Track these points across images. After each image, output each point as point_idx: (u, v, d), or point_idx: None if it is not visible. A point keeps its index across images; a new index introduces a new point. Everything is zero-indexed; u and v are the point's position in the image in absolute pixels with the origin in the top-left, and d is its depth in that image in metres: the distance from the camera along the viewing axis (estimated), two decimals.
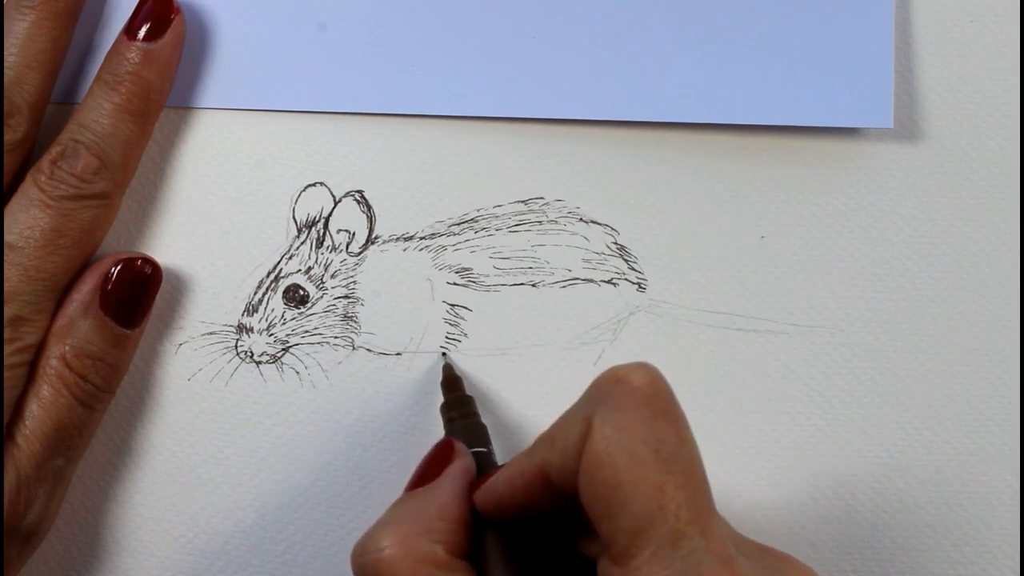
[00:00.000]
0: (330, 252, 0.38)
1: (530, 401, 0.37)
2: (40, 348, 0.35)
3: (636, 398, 0.26)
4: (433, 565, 0.28)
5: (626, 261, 0.38)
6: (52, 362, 0.35)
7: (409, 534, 0.28)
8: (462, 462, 0.31)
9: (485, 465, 0.32)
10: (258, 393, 0.38)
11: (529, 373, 0.37)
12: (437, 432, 0.37)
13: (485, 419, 0.35)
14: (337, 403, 0.38)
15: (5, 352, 0.34)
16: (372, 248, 0.38)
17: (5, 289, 0.34)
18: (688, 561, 0.25)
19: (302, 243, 0.38)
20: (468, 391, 0.36)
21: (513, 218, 0.38)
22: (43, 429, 0.35)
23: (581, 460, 0.26)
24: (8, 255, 0.34)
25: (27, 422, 0.35)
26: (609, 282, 0.38)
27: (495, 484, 0.29)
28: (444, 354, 0.37)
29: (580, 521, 0.28)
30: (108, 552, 0.38)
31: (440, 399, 0.36)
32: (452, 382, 0.36)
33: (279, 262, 0.38)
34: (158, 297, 0.37)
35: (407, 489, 0.31)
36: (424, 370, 0.37)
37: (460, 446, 0.32)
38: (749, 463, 0.37)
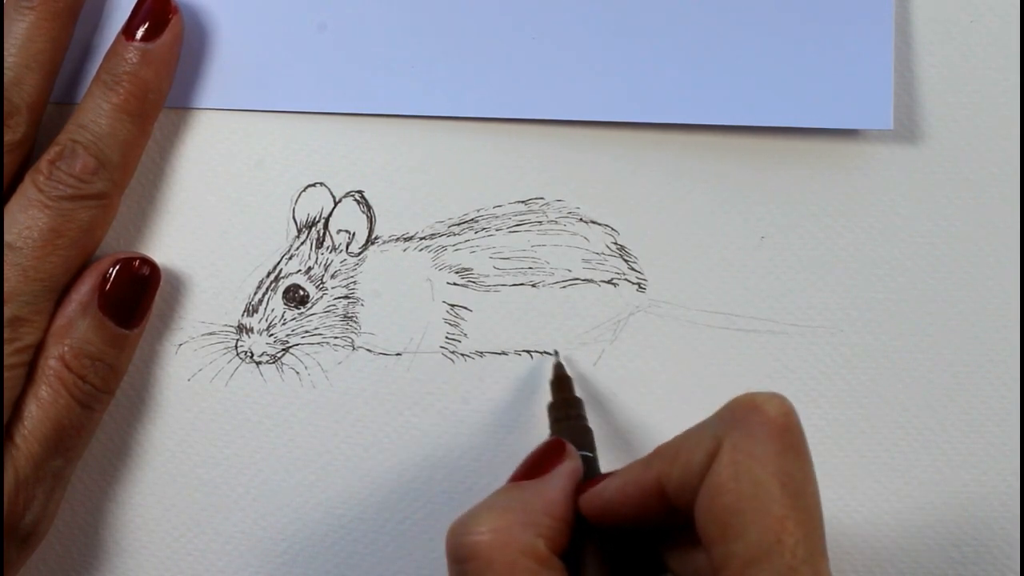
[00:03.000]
0: (330, 252, 0.38)
1: (530, 402, 0.37)
2: (39, 349, 0.35)
3: (769, 428, 0.26)
4: (532, 558, 0.28)
5: (626, 261, 0.38)
6: (51, 362, 0.35)
7: (513, 523, 0.28)
8: (573, 463, 0.31)
9: (589, 470, 0.32)
10: (258, 393, 0.38)
11: (529, 373, 0.37)
12: (450, 432, 0.37)
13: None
14: (337, 403, 0.38)
15: (4, 352, 0.34)
16: (372, 248, 0.38)
17: (4, 289, 0.34)
18: None
19: (302, 243, 0.38)
20: (578, 393, 0.36)
21: (513, 218, 0.38)
22: (42, 430, 0.35)
23: (704, 479, 0.26)
24: (7, 255, 0.34)
25: (26, 423, 0.35)
26: (609, 282, 0.38)
27: (605, 489, 0.29)
28: (556, 353, 0.37)
29: (677, 538, 0.29)
30: (108, 552, 0.38)
31: (546, 399, 0.36)
32: (562, 382, 0.35)
33: (279, 262, 0.38)
34: (158, 297, 0.37)
35: (511, 480, 0.31)
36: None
37: (571, 447, 0.31)
38: None
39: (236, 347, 0.38)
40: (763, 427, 0.26)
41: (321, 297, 0.38)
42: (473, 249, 0.38)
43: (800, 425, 0.27)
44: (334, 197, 0.38)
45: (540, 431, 0.37)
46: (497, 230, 0.38)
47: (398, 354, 0.38)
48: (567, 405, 0.35)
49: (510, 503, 0.29)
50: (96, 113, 0.35)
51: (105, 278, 0.36)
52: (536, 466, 0.31)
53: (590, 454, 0.32)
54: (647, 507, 0.28)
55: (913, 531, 0.37)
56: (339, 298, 0.38)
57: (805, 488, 0.26)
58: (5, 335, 0.34)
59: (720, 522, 0.26)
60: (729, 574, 0.25)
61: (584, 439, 0.33)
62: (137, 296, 0.36)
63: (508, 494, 0.30)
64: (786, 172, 0.37)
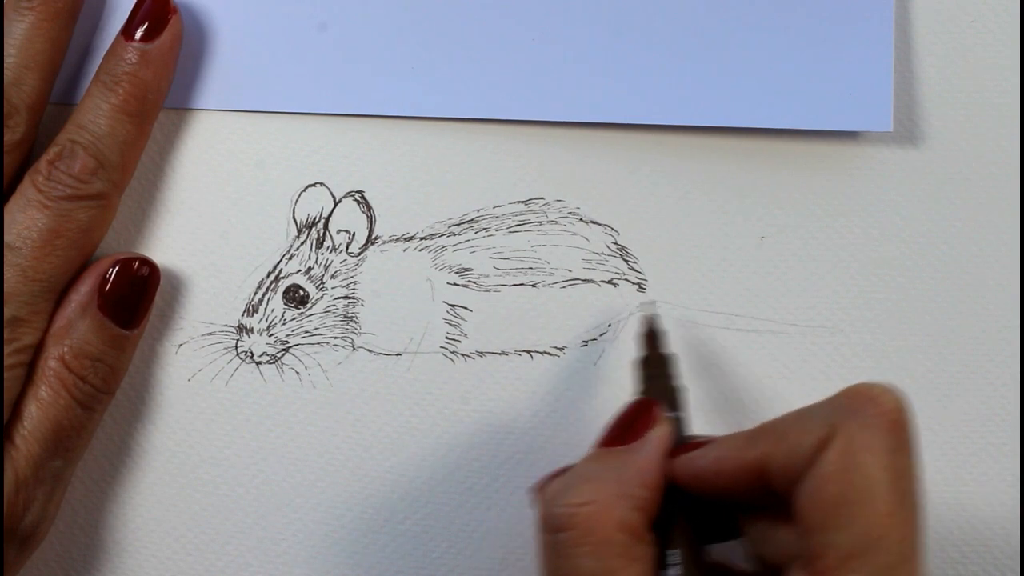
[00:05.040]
0: (330, 252, 0.38)
1: (530, 402, 0.37)
2: (38, 349, 0.35)
3: (885, 422, 0.26)
4: (629, 533, 0.27)
5: (626, 261, 0.38)
6: (50, 363, 0.35)
7: (610, 495, 0.28)
8: (664, 428, 0.30)
9: (678, 431, 0.31)
10: (258, 393, 0.38)
11: (529, 373, 0.37)
12: (444, 433, 0.37)
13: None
14: (337, 403, 0.38)
15: (3, 353, 0.34)
16: (372, 248, 0.38)
17: (3, 290, 0.34)
18: None
19: (302, 243, 0.38)
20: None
21: (513, 218, 0.38)
22: (41, 430, 0.35)
23: (813, 465, 0.26)
24: (6, 256, 0.34)
25: (25, 423, 0.34)
26: (609, 282, 0.38)
27: (700, 459, 0.29)
28: (654, 303, 0.36)
29: (759, 511, 0.28)
30: (108, 552, 0.38)
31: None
32: (654, 337, 0.34)
33: (279, 262, 0.38)
34: (158, 297, 0.37)
35: (600, 445, 0.30)
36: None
37: (660, 410, 0.31)
38: None
39: (236, 347, 0.38)
40: (879, 419, 0.26)
41: (321, 297, 0.38)
42: (473, 249, 0.38)
43: (913, 421, 0.27)
44: (334, 197, 0.38)
45: (540, 431, 0.37)
46: (497, 230, 0.38)
47: (398, 354, 0.38)
48: (658, 363, 0.33)
49: (604, 473, 0.28)
50: (95, 113, 0.35)
51: (104, 279, 0.36)
52: (626, 431, 0.30)
53: (679, 415, 0.31)
54: (741, 483, 0.28)
55: None
56: (339, 298, 0.38)
57: (913, 487, 0.26)
58: (4, 336, 0.34)
59: (825, 511, 0.25)
60: (826, 564, 0.25)
61: (675, 399, 0.32)
62: (137, 297, 0.36)
63: (601, 463, 0.29)
64: (786, 173, 0.38)
